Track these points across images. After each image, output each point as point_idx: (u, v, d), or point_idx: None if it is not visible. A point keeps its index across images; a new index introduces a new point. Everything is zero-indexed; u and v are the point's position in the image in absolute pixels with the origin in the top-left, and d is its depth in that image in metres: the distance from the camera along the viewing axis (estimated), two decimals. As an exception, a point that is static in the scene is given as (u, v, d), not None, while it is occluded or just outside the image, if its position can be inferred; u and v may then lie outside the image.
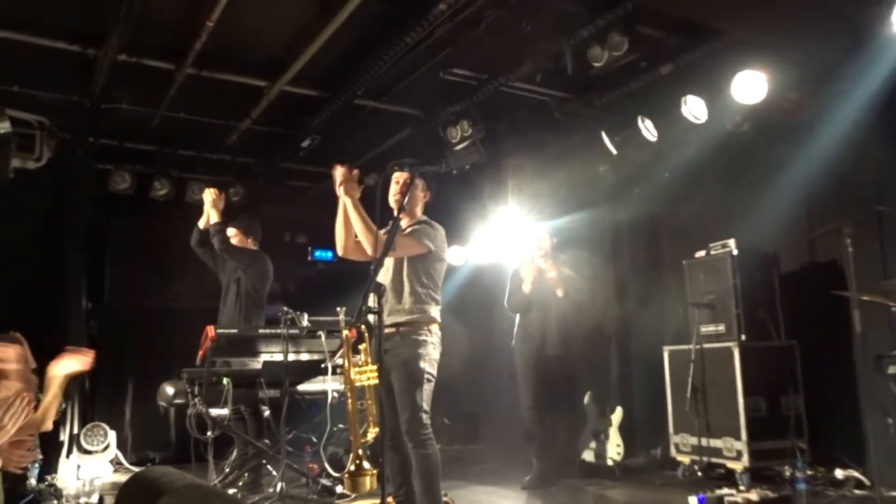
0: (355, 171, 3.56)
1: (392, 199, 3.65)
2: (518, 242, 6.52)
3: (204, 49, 4.86)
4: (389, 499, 3.33)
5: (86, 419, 6.39)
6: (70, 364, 3.40)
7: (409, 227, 3.66)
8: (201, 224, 5.34)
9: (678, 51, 4.87)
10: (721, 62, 4.80)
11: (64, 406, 5.15)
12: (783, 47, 4.62)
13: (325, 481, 4.80)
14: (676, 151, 5.61)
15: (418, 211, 3.76)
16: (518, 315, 5.55)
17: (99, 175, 6.79)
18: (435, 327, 3.60)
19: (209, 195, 5.28)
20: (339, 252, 3.72)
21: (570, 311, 5.38)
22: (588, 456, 5.58)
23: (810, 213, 5.33)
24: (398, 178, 3.67)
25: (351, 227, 3.58)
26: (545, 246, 5.50)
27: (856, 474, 4.46)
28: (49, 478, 5.51)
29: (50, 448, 5.74)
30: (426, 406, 3.48)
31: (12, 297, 5.95)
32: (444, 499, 3.76)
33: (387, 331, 3.47)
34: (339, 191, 3.55)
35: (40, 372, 3.78)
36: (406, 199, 3.50)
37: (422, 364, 3.48)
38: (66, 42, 4.90)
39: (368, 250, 3.49)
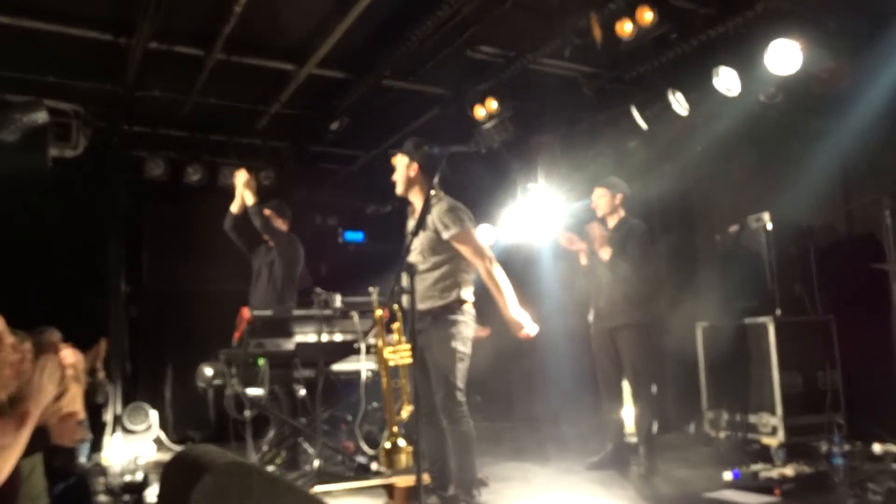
0: None
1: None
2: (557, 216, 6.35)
3: (232, 34, 4.91)
4: (425, 475, 3.39)
5: (128, 400, 6.58)
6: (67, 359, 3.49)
7: (440, 219, 3.63)
8: (233, 209, 5.42)
9: (709, 22, 4.78)
10: (754, 32, 4.69)
11: (108, 389, 5.31)
12: (818, 15, 4.50)
13: (360, 459, 4.88)
14: (708, 125, 5.51)
15: (421, 187, 3.73)
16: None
17: (134, 162, 6.93)
18: (467, 306, 3.63)
19: (242, 176, 5.36)
20: None
21: (617, 277, 4.84)
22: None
23: (847, 185, 5.22)
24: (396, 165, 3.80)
25: None
26: (603, 203, 5.03)
27: (894, 449, 4.40)
28: (95, 456, 5.70)
29: (95, 428, 5.93)
30: (461, 384, 3.53)
31: (53, 284, 6.14)
32: (479, 476, 3.82)
33: (420, 312, 3.52)
34: None
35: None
36: (406, 185, 3.69)
37: (454, 343, 3.53)
38: (99, 31, 4.99)
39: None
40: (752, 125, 5.33)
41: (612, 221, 5.06)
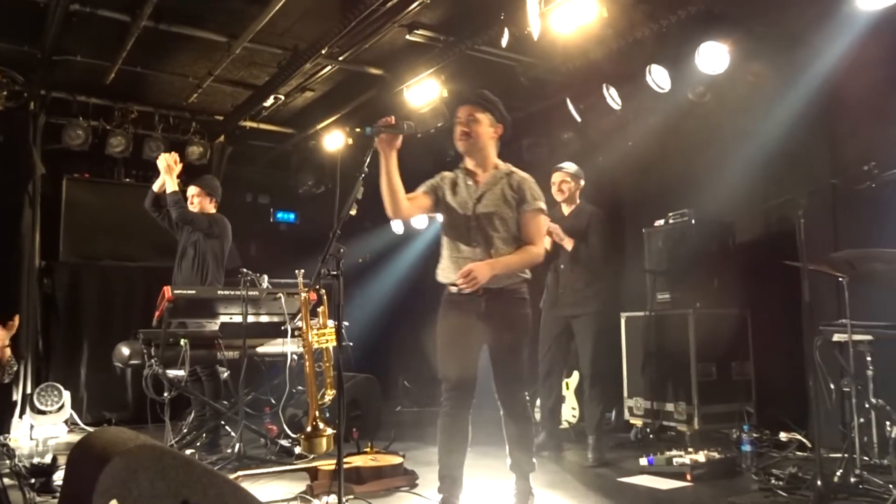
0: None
1: (457, 144, 3.42)
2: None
3: (161, 2, 4.71)
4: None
5: (40, 379, 6.30)
6: None
7: (530, 191, 3.35)
8: (155, 187, 5.24)
9: (645, 19, 4.87)
10: (685, 32, 4.81)
11: (16, 366, 5.05)
12: (746, 19, 4.66)
13: (283, 442, 4.83)
14: (640, 120, 5.64)
15: (492, 153, 3.43)
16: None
17: (52, 130, 6.60)
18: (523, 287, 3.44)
19: (163, 161, 5.15)
20: (393, 215, 3.39)
21: (580, 265, 4.83)
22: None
23: (767, 183, 5.41)
24: (462, 114, 3.37)
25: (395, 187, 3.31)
26: (566, 188, 4.91)
27: (798, 437, 4.65)
28: (1, 438, 5.44)
29: (2, 408, 5.66)
30: (440, 374, 3.47)
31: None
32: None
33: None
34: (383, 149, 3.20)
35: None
36: (478, 145, 3.32)
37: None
38: (16, -11, 4.73)
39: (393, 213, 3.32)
40: (682, 122, 5.48)
41: (568, 208, 5.01)
